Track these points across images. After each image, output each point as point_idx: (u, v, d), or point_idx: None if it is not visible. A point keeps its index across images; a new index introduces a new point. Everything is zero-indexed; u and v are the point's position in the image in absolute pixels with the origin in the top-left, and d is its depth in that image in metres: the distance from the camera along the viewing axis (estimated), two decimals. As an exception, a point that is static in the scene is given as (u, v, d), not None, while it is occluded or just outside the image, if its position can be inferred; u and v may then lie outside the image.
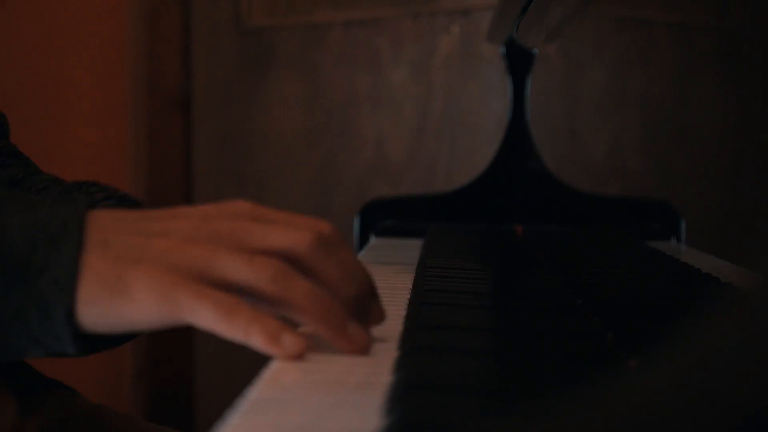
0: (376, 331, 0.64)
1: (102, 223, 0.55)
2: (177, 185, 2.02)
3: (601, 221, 1.30)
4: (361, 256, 1.13)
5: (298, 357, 0.54)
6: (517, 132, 1.29)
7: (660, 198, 1.32)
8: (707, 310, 0.61)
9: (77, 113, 1.97)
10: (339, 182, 1.94)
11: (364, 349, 0.57)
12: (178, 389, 2.01)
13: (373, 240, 1.29)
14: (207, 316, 0.52)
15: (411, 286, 0.82)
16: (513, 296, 0.76)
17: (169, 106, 2.02)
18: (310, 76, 1.94)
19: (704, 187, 1.73)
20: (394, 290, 0.82)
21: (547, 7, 0.96)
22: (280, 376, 0.53)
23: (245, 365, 1.93)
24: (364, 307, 0.60)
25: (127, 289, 0.53)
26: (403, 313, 0.71)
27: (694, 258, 1.14)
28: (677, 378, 0.31)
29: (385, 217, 1.29)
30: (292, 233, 0.56)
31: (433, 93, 1.89)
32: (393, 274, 0.93)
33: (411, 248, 1.15)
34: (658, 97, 1.76)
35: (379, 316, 0.62)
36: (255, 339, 0.53)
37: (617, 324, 0.63)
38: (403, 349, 0.57)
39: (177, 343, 1.98)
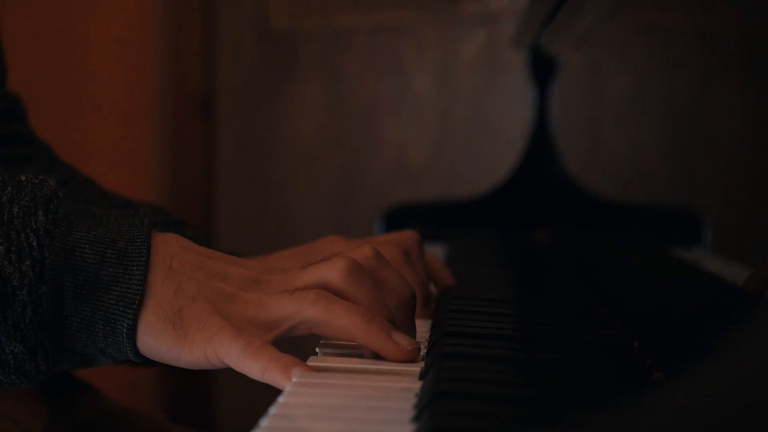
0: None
1: (168, 247, 0.57)
2: (199, 188, 2.03)
3: (624, 227, 1.30)
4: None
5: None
6: (540, 139, 1.29)
7: (683, 204, 1.32)
8: (734, 323, 0.61)
9: (101, 115, 1.98)
10: (360, 186, 1.94)
11: (411, 355, 0.58)
12: (199, 390, 2.02)
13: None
14: (237, 356, 0.55)
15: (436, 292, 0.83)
16: (539, 304, 0.77)
17: (192, 108, 2.02)
18: (333, 80, 1.95)
19: (728, 192, 1.72)
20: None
21: (576, 15, 0.96)
22: (307, 383, 0.54)
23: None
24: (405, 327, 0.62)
25: (181, 325, 0.55)
26: (430, 320, 0.71)
27: (718, 265, 1.13)
28: (708, 395, 0.31)
29: (409, 221, 1.30)
30: (325, 266, 0.59)
31: (456, 98, 1.90)
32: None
33: (435, 253, 1.15)
34: (681, 102, 1.75)
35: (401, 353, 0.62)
36: (271, 374, 0.55)
37: (643, 333, 0.63)
38: (431, 357, 0.57)
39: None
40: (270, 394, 0.53)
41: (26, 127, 0.92)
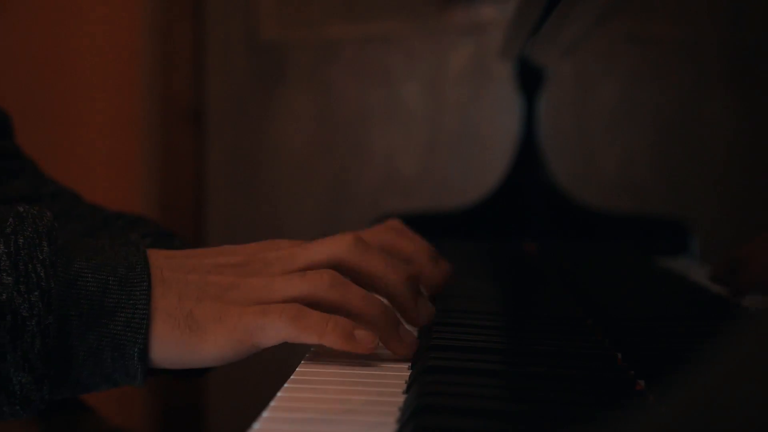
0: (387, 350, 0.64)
1: (157, 262, 0.58)
2: (189, 198, 2.03)
3: (612, 237, 1.30)
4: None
5: (372, 350, 0.57)
6: (528, 149, 1.30)
7: (671, 214, 1.32)
8: (718, 334, 0.61)
9: (90, 125, 1.98)
10: (350, 197, 1.94)
11: (413, 351, 0.61)
12: (189, 402, 2.02)
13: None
14: (276, 327, 0.56)
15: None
16: (524, 316, 0.77)
17: (182, 119, 2.03)
18: (322, 90, 1.95)
19: (716, 201, 1.73)
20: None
21: (562, 25, 0.97)
22: (290, 397, 0.54)
23: (256, 379, 1.94)
24: (415, 293, 0.63)
25: (197, 326, 0.56)
26: (415, 332, 0.71)
27: (705, 275, 1.14)
28: (690, 409, 0.31)
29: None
30: (330, 242, 0.61)
31: (445, 108, 1.90)
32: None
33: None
34: (669, 112, 1.76)
35: (429, 314, 0.64)
36: (329, 338, 0.56)
37: (626, 344, 0.64)
38: (415, 370, 0.58)
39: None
40: (262, 401, 0.53)
41: (13, 144, 0.92)
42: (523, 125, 1.30)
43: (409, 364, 0.62)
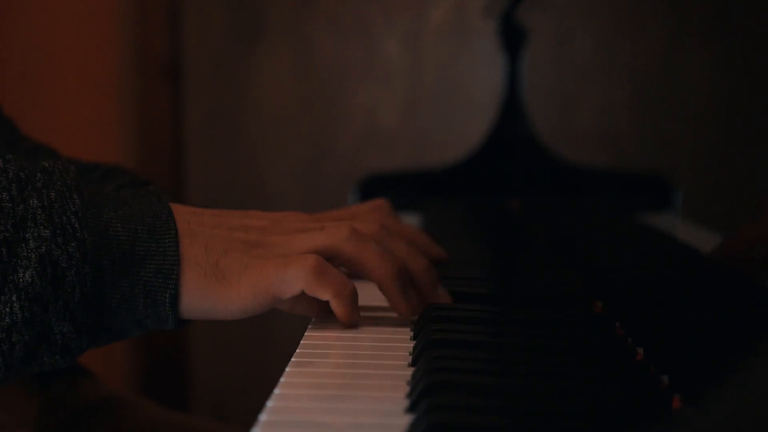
0: (390, 321, 0.65)
1: (180, 214, 0.60)
2: (167, 156, 2.02)
3: (596, 193, 1.31)
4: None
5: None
6: (511, 107, 1.30)
7: (654, 169, 1.34)
8: (716, 301, 0.62)
9: (65, 85, 1.96)
10: (331, 153, 1.94)
11: (416, 314, 0.64)
12: (173, 359, 2.02)
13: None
14: (297, 276, 0.58)
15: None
16: (520, 282, 0.78)
17: (159, 77, 2.01)
18: (301, 46, 1.94)
19: (696, 154, 1.74)
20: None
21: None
22: (299, 372, 0.55)
23: (240, 336, 1.95)
24: (405, 286, 0.65)
25: (222, 276, 0.58)
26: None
27: (691, 232, 1.15)
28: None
29: (383, 190, 1.30)
30: (328, 232, 0.62)
31: (426, 64, 1.89)
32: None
33: (412, 223, 1.16)
34: (647, 65, 1.77)
35: (416, 306, 0.66)
36: (342, 302, 0.60)
37: (622, 310, 0.64)
38: (419, 343, 0.58)
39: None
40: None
41: None
42: (506, 84, 1.30)
43: (411, 333, 0.63)
